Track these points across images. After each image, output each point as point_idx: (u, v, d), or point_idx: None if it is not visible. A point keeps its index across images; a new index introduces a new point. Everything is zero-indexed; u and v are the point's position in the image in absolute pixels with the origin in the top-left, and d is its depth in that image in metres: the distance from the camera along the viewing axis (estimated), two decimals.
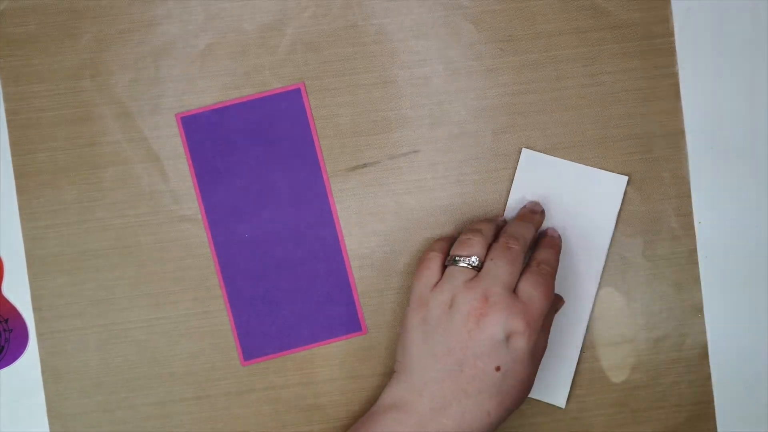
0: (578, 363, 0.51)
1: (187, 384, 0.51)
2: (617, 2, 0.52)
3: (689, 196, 0.52)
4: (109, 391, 0.51)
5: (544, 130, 0.52)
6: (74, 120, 0.51)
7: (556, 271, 0.48)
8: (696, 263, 0.52)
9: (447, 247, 0.48)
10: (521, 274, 0.46)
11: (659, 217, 0.52)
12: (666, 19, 0.52)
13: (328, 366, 0.52)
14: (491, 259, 0.46)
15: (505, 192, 0.52)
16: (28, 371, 0.51)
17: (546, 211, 0.51)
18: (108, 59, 0.52)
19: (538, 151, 0.52)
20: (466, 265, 0.46)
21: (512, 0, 0.52)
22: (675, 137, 0.52)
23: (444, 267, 0.47)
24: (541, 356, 0.47)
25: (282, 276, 0.51)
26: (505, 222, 0.51)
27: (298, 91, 0.52)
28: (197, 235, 0.52)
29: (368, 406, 0.51)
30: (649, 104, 0.52)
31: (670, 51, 0.52)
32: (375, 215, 0.52)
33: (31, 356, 0.51)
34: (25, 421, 0.51)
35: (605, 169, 0.51)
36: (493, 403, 0.44)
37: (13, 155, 0.51)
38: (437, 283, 0.46)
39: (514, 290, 0.45)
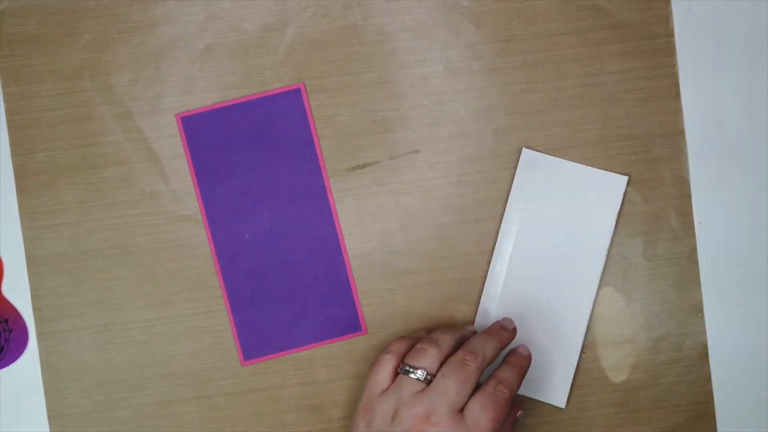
0: (578, 363, 0.51)
1: (187, 384, 0.51)
2: (617, 2, 0.52)
3: (689, 196, 0.52)
4: (109, 391, 0.51)
5: (544, 130, 0.52)
6: (74, 120, 0.51)
7: (514, 393, 0.45)
8: (696, 263, 0.52)
9: (405, 350, 0.47)
10: (476, 390, 0.45)
11: (659, 217, 0.52)
12: (666, 19, 0.52)
13: (328, 366, 0.52)
14: (442, 375, 0.44)
15: (505, 192, 0.52)
16: (28, 371, 0.51)
17: (546, 212, 0.51)
18: (108, 59, 0.52)
19: (539, 151, 0.52)
20: (415, 377, 0.45)
21: (512, 0, 0.52)
22: (675, 137, 0.52)
23: (396, 372, 0.46)
24: None
25: (282, 276, 0.51)
26: (473, 333, 0.49)
27: (298, 91, 0.52)
28: (197, 235, 0.52)
29: None
30: (649, 104, 0.52)
31: (671, 51, 0.52)
32: (375, 215, 0.52)
33: (31, 356, 0.51)
34: (25, 421, 0.51)
35: (605, 169, 0.51)
36: None
37: (13, 155, 0.51)
38: (386, 389, 0.45)
39: (463, 409, 0.44)
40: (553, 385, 0.51)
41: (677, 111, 0.52)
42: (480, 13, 0.52)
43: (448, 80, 0.52)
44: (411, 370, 0.45)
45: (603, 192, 0.51)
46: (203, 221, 0.52)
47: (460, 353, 0.45)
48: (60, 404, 0.51)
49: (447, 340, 0.46)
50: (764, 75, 0.52)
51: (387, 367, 0.46)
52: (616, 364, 0.52)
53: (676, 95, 0.52)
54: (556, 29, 0.52)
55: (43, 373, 0.51)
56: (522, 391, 0.51)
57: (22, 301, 0.51)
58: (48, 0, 0.51)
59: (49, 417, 0.51)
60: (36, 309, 0.51)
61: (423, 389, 0.44)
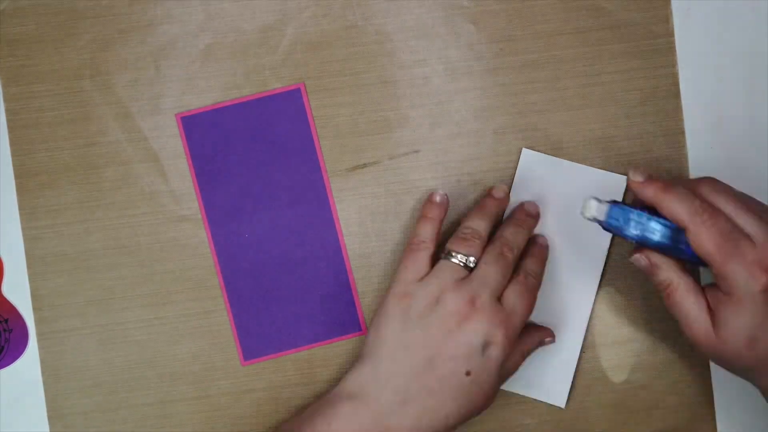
0: (578, 363, 0.51)
1: (187, 384, 0.51)
2: (617, 2, 0.52)
3: None
4: (109, 390, 0.51)
5: (544, 130, 0.52)
6: (74, 120, 0.51)
7: (540, 282, 0.48)
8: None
9: (436, 235, 0.48)
10: (509, 282, 0.46)
11: None
12: (666, 19, 0.52)
13: (328, 366, 0.52)
14: (485, 263, 0.46)
15: None
16: (28, 371, 0.51)
17: (546, 211, 0.51)
18: (108, 59, 0.52)
19: (539, 151, 0.52)
20: (459, 262, 0.46)
21: (512, 0, 0.52)
22: (675, 137, 0.52)
23: (433, 260, 0.47)
24: (511, 374, 0.47)
25: (282, 276, 0.51)
26: (501, 205, 0.50)
27: (298, 91, 0.52)
28: (197, 235, 0.52)
29: None
30: (649, 104, 0.52)
31: (671, 51, 0.52)
32: (375, 215, 0.52)
33: (31, 356, 0.51)
34: (25, 421, 0.51)
35: (605, 169, 0.51)
36: (454, 408, 0.44)
37: (13, 155, 0.51)
38: (425, 275, 0.46)
39: (499, 298, 0.45)
40: (553, 384, 0.51)
41: (677, 111, 0.52)
42: (480, 13, 0.52)
43: (448, 80, 0.52)
44: (456, 255, 0.46)
45: (603, 192, 0.51)
46: (203, 221, 0.52)
47: (498, 244, 0.47)
48: (60, 404, 0.51)
49: (485, 225, 0.48)
50: (764, 75, 0.52)
51: (426, 254, 0.47)
52: (616, 364, 0.52)
53: (676, 95, 0.52)
54: (556, 29, 0.52)
55: (43, 373, 0.51)
56: (522, 391, 0.51)
57: (22, 301, 0.51)
58: (48, 0, 0.51)
59: (49, 417, 0.51)
60: (36, 309, 0.51)
61: (466, 276, 0.45)
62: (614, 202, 0.44)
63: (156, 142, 0.52)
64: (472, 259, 0.46)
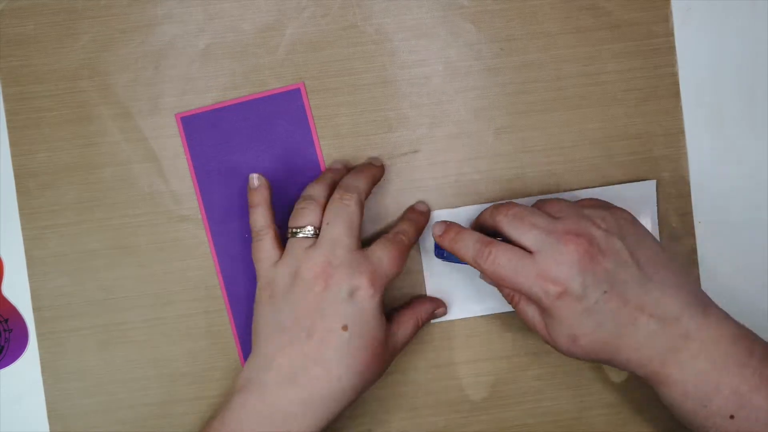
0: (578, 363, 0.51)
1: (187, 384, 0.51)
2: (617, 2, 0.52)
3: (689, 195, 0.52)
4: (110, 391, 0.51)
5: (544, 129, 0.52)
6: (74, 120, 0.51)
7: (412, 244, 0.48)
8: (696, 263, 0.52)
9: (270, 218, 0.47)
10: (377, 239, 0.47)
11: (660, 216, 0.52)
12: (666, 19, 0.52)
13: None
14: (327, 223, 0.46)
15: (504, 192, 0.52)
16: (28, 371, 0.51)
17: None
18: (107, 59, 0.51)
19: (539, 150, 0.52)
20: (305, 235, 0.46)
21: (512, 0, 0.52)
22: (675, 136, 0.52)
23: (278, 242, 0.47)
24: (404, 344, 0.47)
25: None
26: (342, 170, 0.50)
27: (297, 91, 0.52)
28: (197, 235, 0.52)
29: (366, 405, 0.52)
30: (649, 104, 0.52)
31: (670, 50, 0.52)
32: (375, 215, 0.52)
33: (31, 356, 0.51)
34: (25, 421, 0.51)
35: (614, 175, 0.51)
36: (342, 367, 0.44)
37: (13, 155, 0.51)
38: (279, 259, 0.46)
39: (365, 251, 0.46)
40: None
41: (677, 110, 0.52)
42: (479, 13, 0.52)
43: (448, 80, 0.52)
44: (297, 230, 0.46)
45: (636, 202, 0.50)
46: (203, 221, 0.52)
47: (336, 195, 0.47)
48: (60, 404, 0.51)
49: (319, 190, 0.47)
50: (764, 74, 0.52)
51: (267, 241, 0.47)
52: None
53: (676, 94, 0.52)
54: (555, 29, 0.52)
55: (43, 373, 0.51)
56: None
57: (22, 301, 0.51)
58: (47, 0, 0.51)
59: (50, 417, 0.51)
60: (36, 309, 0.51)
61: (314, 242, 0.45)
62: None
63: (156, 143, 0.52)
64: (313, 227, 0.46)
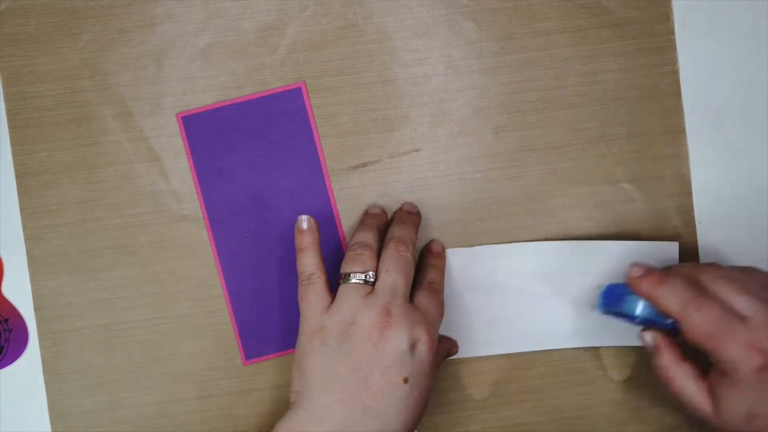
0: (579, 362, 0.51)
1: (188, 383, 0.51)
2: (618, 0, 0.52)
3: (690, 194, 0.52)
4: (111, 390, 0.51)
5: (544, 128, 0.52)
6: (75, 120, 0.51)
7: (443, 288, 0.48)
8: (696, 263, 0.52)
9: (320, 262, 0.46)
10: (415, 290, 0.46)
11: (660, 215, 0.52)
12: (666, 17, 0.52)
13: None
14: (386, 271, 0.45)
15: (505, 191, 0.52)
16: (28, 371, 0.51)
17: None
18: (108, 59, 0.51)
19: (539, 149, 0.52)
20: (359, 281, 0.45)
21: None
22: (676, 135, 0.52)
23: (328, 287, 0.46)
24: (427, 398, 0.45)
25: (283, 275, 0.51)
26: (382, 214, 0.50)
27: (298, 90, 0.52)
28: (198, 234, 0.52)
29: None
30: (649, 102, 0.52)
31: (671, 49, 0.52)
32: None
33: (32, 356, 0.51)
34: (26, 421, 0.51)
35: (615, 174, 0.51)
36: (399, 421, 0.42)
37: (13, 155, 0.51)
38: (329, 305, 0.45)
39: (411, 300, 0.45)
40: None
41: (678, 109, 0.52)
42: (480, 12, 0.52)
43: (449, 79, 0.52)
44: (354, 275, 0.45)
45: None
46: (204, 220, 0.52)
47: (391, 245, 0.46)
48: (62, 404, 0.51)
49: (372, 237, 0.47)
50: (765, 73, 0.52)
51: (318, 285, 0.46)
52: (617, 363, 0.52)
53: (677, 93, 0.52)
54: (556, 27, 0.52)
55: (44, 373, 0.51)
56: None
57: (22, 301, 0.51)
58: (48, 0, 0.51)
59: (51, 416, 0.51)
60: (37, 309, 0.51)
61: (371, 290, 0.45)
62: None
63: (157, 142, 0.52)
64: (370, 273, 0.45)
